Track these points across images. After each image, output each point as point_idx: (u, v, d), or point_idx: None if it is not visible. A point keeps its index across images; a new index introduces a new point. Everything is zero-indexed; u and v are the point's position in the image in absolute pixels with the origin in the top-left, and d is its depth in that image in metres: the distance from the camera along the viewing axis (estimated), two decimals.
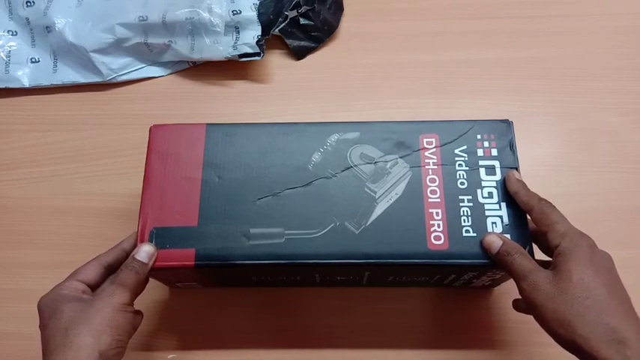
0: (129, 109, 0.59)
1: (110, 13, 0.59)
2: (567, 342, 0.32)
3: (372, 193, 0.41)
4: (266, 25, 0.57)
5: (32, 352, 0.49)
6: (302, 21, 0.59)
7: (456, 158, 0.42)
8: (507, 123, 0.43)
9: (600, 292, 0.33)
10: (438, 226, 0.40)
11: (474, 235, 0.39)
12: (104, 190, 0.55)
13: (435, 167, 0.41)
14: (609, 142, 0.56)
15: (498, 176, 0.41)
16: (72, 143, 0.57)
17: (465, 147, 0.42)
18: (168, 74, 0.61)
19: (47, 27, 0.59)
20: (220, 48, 0.56)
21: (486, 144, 0.42)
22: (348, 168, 0.41)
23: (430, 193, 0.41)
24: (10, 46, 0.60)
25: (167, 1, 0.57)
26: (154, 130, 0.44)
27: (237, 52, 0.57)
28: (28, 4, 0.60)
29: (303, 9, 0.59)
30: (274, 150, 0.42)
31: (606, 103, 0.58)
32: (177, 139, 0.43)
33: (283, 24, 0.59)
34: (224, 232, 0.40)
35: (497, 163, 0.41)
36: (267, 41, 0.58)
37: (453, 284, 0.46)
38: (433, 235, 0.39)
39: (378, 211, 0.40)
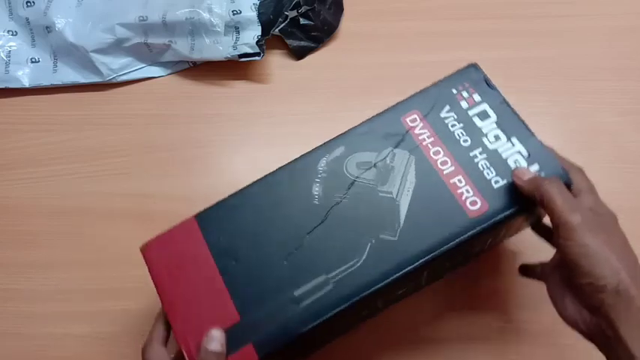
0: (129, 109, 0.59)
1: (110, 13, 0.59)
2: (608, 284, 0.31)
3: (388, 195, 0.38)
4: (266, 25, 0.57)
5: (32, 352, 0.50)
6: (302, 21, 0.59)
7: (446, 121, 0.40)
8: (472, 66, 0.42)
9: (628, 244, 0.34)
10: (467, 191, 0.37)
11: (505, 181, 0.37)
12: (104, 190, 0.55)
13: (432, 139, 0.39)
14: (609, 142, 0.56)
15: (494, 117, 0.39)
16: (72, 143, 0.57)
17: (447, 107, 0.40)
18: (168, 74, 0.61)
19: (47, 27, 0.59)
20: (220, 48, 0.56)
21: (465, 94, 0.40)
22: (352, 183, 0.38)
23: (441, 165, 0.38)
24: (10, 46, 0.60)
25: (167, 1, 0.57)
26: (146, 252, 0.39)
27: (237, 52, 0.57)
28: (28, 4, 0.60)
29: (303, 9, 0.59)
30: (273, 205, 0.39)
31: (606, 103, 0.58)
32: (173, 247, 0.38)
33: (283, 24, 0.59)
34: (270, 310, 0.36)
35: (485, 106, 0.40)
36: (267, 41, 0.58)
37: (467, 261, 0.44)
38: (468, 202, 0.37)
39: (404, 208, 0.37)
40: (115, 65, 0.59)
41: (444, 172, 0.38)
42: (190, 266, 0.38)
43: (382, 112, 0.41)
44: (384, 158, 0.39)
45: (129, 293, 0.50)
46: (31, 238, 0.53)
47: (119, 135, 0.58)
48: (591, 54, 0.61)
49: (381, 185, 0.38)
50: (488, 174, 0.37)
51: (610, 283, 0.30)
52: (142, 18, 0.57)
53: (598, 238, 0.31)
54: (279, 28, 0.58)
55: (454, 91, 0.40)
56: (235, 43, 0.57)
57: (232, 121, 0.58)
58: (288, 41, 0.60)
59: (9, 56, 0.60)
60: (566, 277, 0.35)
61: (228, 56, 0.57)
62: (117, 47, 0.59)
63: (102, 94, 0.60)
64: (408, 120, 0.40)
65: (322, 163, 0.39)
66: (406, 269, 0.36)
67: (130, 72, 0.60)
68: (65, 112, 0.59)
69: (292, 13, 0.59)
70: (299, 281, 0.36)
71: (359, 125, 0.41)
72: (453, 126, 0.39)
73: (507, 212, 0.36)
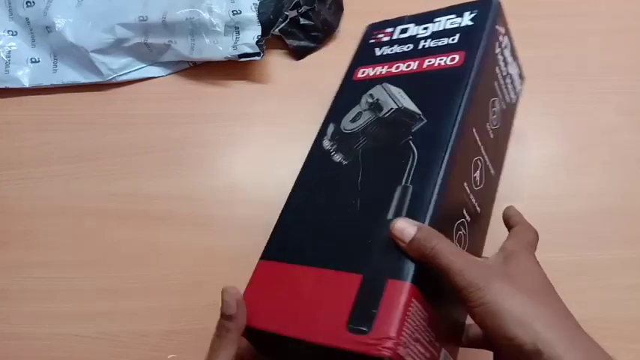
0: (129, 109, 0.59)
1: (110, 13, 0.59)
2: (524, 345, 0.26)
3: (391, 111, 0.39)
4: (266, 25, 0.57)
5: (32, 352, 0.50)
6: (302, 21, 0.59)
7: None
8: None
9: (553, 293, 0.30)
10: (440, 60, 0.40)
11: (457, 35, 0.41)
12: (104, 190, 0.55)
13: (386, 68, 0.43)
14: (609, 142, 0.56)
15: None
16: (72, 143, 0.57)
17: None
18: (168, 74, 0.61)
19: (47, 27, 0.59)
20: (220, 48, 0.56)
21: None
22: (359, 132, 0.40)
23: (407, 68, 0.42)
24: (10, 46, 0.60)
25: (167, 1, 0.57)
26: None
27: (237, 52, 0.57)
28: (28, 4, 0.60)
29: (303, 9, 0.59)
30: (321, 193, 0.37)
31: (606, 103, 0.58)
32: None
33: (283, 24, 0.59)
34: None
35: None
36: (267, 41, 0.58)
37: None
38: (449, 61, 0.40)
39: (411, 105, 0.38)
40: (115, 65, 0.59)
41: (414, 68, 0.41)
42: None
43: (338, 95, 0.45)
44: (366, 101, 0.41)
45: (129, 293, 0.50)
46: (31, 238, 0.53)
47: (119, 135, 0.58)
48: (591, 54, 0.61)
49: (380, 112, 0.39)
50: (449, 39, 0.41)
51: (526, 342, 0.26)
52: (142, 18, 0.57)
53: (501, 294, 0.27)
54: (279, 28, 0.58)
55: (372, 41, 0.47)
56: (235, 43, 0.57)
57: (232, 121, 0.58)
58: (288, 41, 0.60)
59: (9, 56, 0.60)
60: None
61: (228, 56, 0.57)
62: (117, 47, 0.59)
63: (102, 94, 0.60)
64: (359, 75, 0.45)
65: (326, 143, 0.41)
66: (459, 115, 0.36)
67: (130, 72, 0.60)
68: (65, 112, 0.59)
69: (292, 13, 0.59)
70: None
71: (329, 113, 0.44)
72: (391, 49, 0.45)
73: (483, 32, 0.40)
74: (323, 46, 0.62)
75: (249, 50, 0.56)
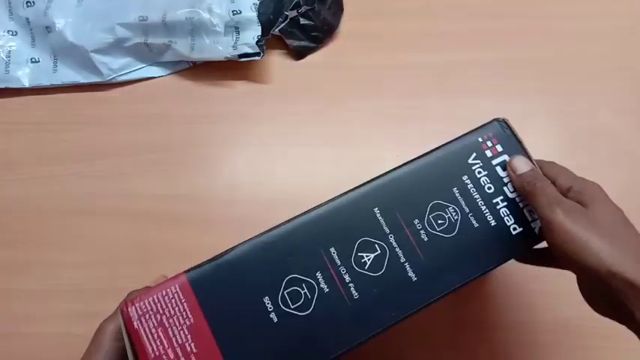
0: (129, 109, 0.59)
1: (110, 13, 0.59)
2: (599, 270, 0.31)
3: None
4: (266, 25, 0.57)
5: (32, 352, 0.50)
6: (302, 21, 0.59)
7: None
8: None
9: (629, 227, 0.33)
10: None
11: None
12: (104, 190, 0.55)
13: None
14: (609, 142, 0.56)
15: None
16: (72, 143, 0.57)
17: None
18: (168, 74, 0.61)
19: (47, 27, 0.59)
20: (220, 48, 0.56)
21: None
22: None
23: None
24: (10, 46, 0.60)
25: (167, 1, 0.57)
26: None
27: (237, 52, 0.57)
28: (28, 4, 0.60)
29: (303, 9, 0.59)
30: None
31: (606, 103, 0.58)
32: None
33: (283, 24, 0.59)
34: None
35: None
36: (267, 41, 0.58)
37: None
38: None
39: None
40: (115, 65, 0.59)
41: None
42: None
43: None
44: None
45: None
46: (31, 238, 0.53)
47: (119, 135, 0.58)
48: (591, 54, 0.61)
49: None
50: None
51: (601, 268, 0.30)
52: (142, 18, 0.57)
53: (580, 228, 0.32)
54: (279, 28, 0.59)
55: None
56: (235, 43, 0.57)
57: (232, 121, 0.58)
58: (288, 41, 0.60)
59: (9, 56, 0.60)
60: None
61: (228, 56, 0.57)
62: (117, 47, 0.59)
63: (102, 94, 0.60)
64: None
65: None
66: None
67: (130, 72, 0.60)
68: (65, 112, 0.59)
69: (292, 13, 0.59)
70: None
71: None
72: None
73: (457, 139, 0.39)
74: (323, 46, 0.62)
75: (249, 50, 0.56)
